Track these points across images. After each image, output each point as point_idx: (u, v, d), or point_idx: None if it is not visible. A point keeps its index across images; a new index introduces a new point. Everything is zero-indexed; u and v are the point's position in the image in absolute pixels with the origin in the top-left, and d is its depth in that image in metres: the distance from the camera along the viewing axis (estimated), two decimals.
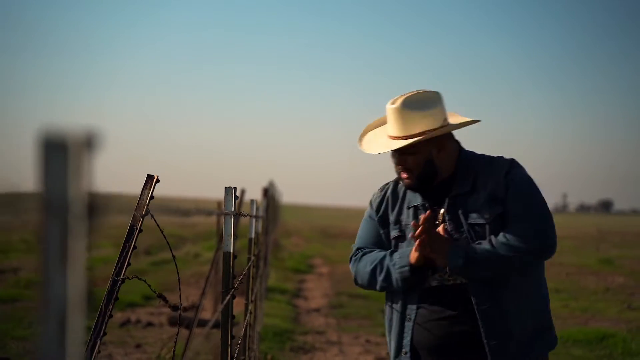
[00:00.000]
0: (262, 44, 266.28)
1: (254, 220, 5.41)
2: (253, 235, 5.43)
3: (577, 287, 15.94)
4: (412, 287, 3.37)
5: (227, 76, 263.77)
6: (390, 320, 3.47)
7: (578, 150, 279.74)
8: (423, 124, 3.36)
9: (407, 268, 3.32)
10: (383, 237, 3.52)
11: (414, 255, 3.30)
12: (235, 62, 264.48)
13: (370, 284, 3.44)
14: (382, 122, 3.54)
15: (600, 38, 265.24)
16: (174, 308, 3.41)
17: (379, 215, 3.54)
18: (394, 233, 3.47)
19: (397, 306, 3.43)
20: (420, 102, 3.38)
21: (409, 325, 3.38)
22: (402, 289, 3.38)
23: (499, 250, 3.19)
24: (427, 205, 3.42)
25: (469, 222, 3.30)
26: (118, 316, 11.08)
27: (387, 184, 3.65)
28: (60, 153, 0.73)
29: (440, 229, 3.29)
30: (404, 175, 3.39)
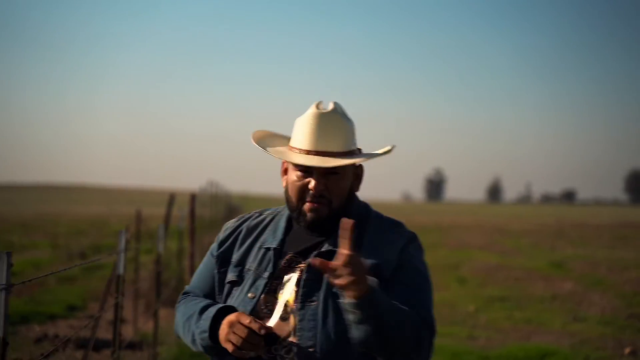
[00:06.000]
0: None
1: (122, 255, 4.73)
2: (121, 271, 4.73)
3: (524, 294, 15.46)
4: (223, 357, 2.68)
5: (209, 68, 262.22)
6: None
7: (543, 139, 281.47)
8: (351, 140, 2.74)
9: (206, 334, 2.64)
10: (215, 279, 2.83)
11: (223, 329, 2.60)
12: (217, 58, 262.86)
13: (185, 341, 2.78)
14: (270, 134, 2.87)
15: (573, 30, 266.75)
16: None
17: (220, 250, 2.86)
18: (230, 276, 2.80)
19: None
20: (344, 113, 2.78)
21: None
22: (211, 358, 2.72)
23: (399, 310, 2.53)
24: (285, 251, 2.74)
25: (334, 290, 2.58)
26: (36, 330, 10.34)
27: (248, 214, 2.95)
28: None
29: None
30: (315, 204, 2.68)
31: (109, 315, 10.04)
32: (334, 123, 2.70)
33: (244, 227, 2.88)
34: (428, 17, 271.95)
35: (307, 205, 2.70)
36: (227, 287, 2.79)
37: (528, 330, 11.58)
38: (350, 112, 2.78)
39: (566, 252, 26.24)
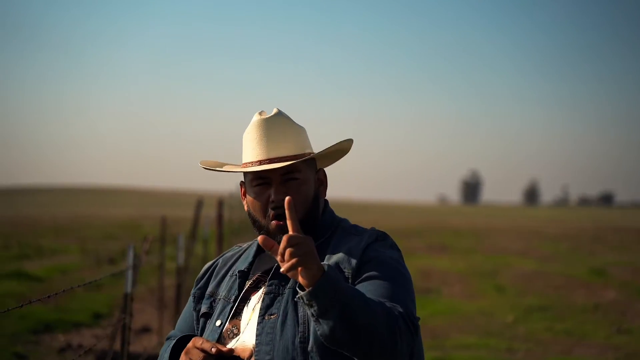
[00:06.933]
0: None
1: (130, 272, 4.38)
2: (129, 289, 4.40)
3: (565, 303, 15.00)
4: None
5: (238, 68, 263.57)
6: None
7: (580, 141, 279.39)
8: (303, 141, 2.58)
9: None
10: (194, 318, 2.71)
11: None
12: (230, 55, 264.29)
13: None
14: (219, 164, 2.70)
15: (606, 31, 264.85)
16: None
17: (197, 287, 2.75)
18: (203, 309, 2.68)
19: None
20: (289, 117, 2.63)
21: None
22: None
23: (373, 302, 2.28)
24: (249, 272, 2.60)
25: (296, 299, 2.36)
26: (60, 340, 10.06)
27: (228, 250, 2.81)
28: None
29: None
30: (280, 221, 2.51)
31: (135, 323, 9.74)
32: (281, 127, 2.56)
33: (220, 260, 2.77)
34: (471, 18, 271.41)
35: (273, 224, 2.53)
36: (201, 321, 2.67)
37: (569, 343, 11.16)
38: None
39: (606, 258, 25.67)
